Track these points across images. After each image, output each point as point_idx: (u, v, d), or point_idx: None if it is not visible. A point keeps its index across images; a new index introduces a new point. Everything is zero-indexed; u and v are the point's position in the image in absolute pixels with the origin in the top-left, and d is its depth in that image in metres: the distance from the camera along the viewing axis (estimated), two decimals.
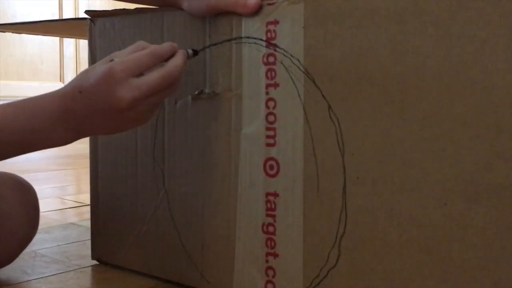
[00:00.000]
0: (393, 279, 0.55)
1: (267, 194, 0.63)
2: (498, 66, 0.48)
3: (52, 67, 2.60)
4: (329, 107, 0.58)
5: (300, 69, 0.59)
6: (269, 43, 0.62)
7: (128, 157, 0.77)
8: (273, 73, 0.62)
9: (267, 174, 0.63)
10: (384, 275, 0.55)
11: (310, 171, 0.59)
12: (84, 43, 2.13)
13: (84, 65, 2.47)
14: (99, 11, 0.79)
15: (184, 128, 0.70)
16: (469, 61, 0.49)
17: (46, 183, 1.59)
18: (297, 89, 0.60)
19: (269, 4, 0.61)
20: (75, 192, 1.50)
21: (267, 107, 0.62)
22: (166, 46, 0.61)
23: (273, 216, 0.63)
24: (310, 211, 0.60)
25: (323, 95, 0.58)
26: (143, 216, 0.76)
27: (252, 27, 0.63)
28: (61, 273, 0.79)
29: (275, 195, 0.62)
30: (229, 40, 0.65)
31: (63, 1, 2.64)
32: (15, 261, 0.79)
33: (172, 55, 0.61)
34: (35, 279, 0.77)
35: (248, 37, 0.63)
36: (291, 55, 0.60)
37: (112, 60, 0.58)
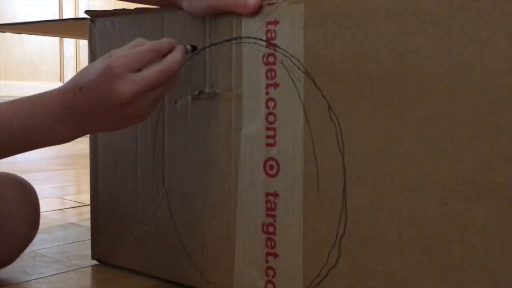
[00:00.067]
0: (393, 279, 0.55)
1: (267, 194, 0.63)
2: (498, 66, 0.48)
3: (52, 67, 2.60)
4: (329, 107, 0.58)
5: (300, 69, 0.59)
6: (269, 43, 0.62)
7: (128, 157, 0.77)
8: (273, 73, 0.62)
9: (267, 174, 0.63)
10: (384, 275, 0.55)
11: (310, 171, 0.59)
12: (84, 43, 2.13)
13: (84, 65, 2.47)
14: (99, 11, 0.79)
15: (184, 128, 0.70)
16: (469, 61, 0.49)
17: (46, 183, 1.59)
18: (297, 89, 0.60)
19: (269, 4, 0.61)
20: (75, 192, 1.50)
21: (267, 107, 0.62)
22: (164, 41, 0.62)
23: (273, 216, 0.63)
24: (310, 211, 0.60)
25: (323, 95, 0.58)
26: (143, 216, 0.76)
27: (252, 27, 0.63)
28: (61, 273, 0.79)
29: (275, 195, 0.62)
30: (229, 40, 0.65)
31: (63, 1, 2.64)
32: (15, 261, 0.79)
33: (170, 50, 0.61)
34: (35, 279, 0.77)
35: (248, 37, 0.63)
36: (291, 55, 0.60)
37: (111, 56, 0.59)
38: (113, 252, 0.80)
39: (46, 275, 0.78)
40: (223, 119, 0.66)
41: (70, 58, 2.66)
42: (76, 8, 2.67)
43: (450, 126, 0.51)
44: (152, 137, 0.74)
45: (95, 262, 0.83)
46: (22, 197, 0.79)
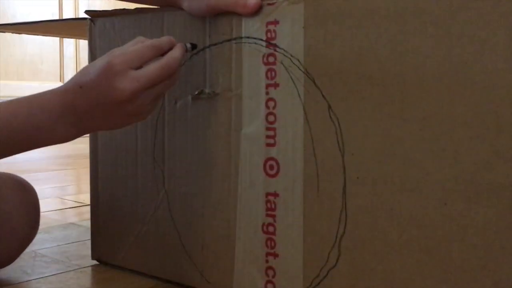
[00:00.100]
0: (393, 279, 0.55)
1: (267, 194, 0.63)
2: (498, 66, 0.48)
3: (52, 67, 2.60)
4: (329, 107, 0.58)
5: (300, 69, 0.59)
6: (269, 43, 0.62)
7: (128, 157, 0.77)
8: (273, 73, 0.62)
9: (267, 174, 0.63)
10: (384, 275, 0.55)
11: (310, 171, 0.59)
12: (84, 43, 2.13)
13: (84, 65, 2.47)
14: (99, 11, 0.79)
15: (184, 128, 0.70)
16: (469, 61, 0.49)
17: (46, 183, 1.59)
18: (297, 89, 0.60)
19: (269, 4, 0.61)
20: (75, 192, 1.50)
21: (267, 107, 0.62)
22: (164, 39, 0.62)
23: (273, 216, 0.63)
24: (310, 211, 0.60)
25: (323, 95, 0.58)
26: (143, 216, 0.76)
27: (252, 27, 0.63)
28: (61, 273, 0.79)
29: (275, 195, 0.62)
30: (229, 40, 0.65)
31: (63, 1, 2.64)
32: (15, 261, 0.79)
33: (170, 48, 0.61)
34: (35, 279, 0.77)
35: (248, 37, 0.63)
36: (291, 55, 0.60)
37: (111, 55, 0.59)
38: (113, 252, 0.80)
39: (46, 275, 0.78)
40: (223, 119, 0.66)
41: (70, 58, 2.66)
42: (76, 8, 2.67)
43: (450, 126, 0.51)
44: (152, 137, 0.74)
45: (95, 262, 0.83)
46: (22, 197, 0.79)
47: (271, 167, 0.62)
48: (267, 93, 0.62)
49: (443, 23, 0.50)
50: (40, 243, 0.93)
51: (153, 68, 0.58)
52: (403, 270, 0.54)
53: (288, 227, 0.62)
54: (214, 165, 0.68)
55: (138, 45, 0.60)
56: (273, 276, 0.63)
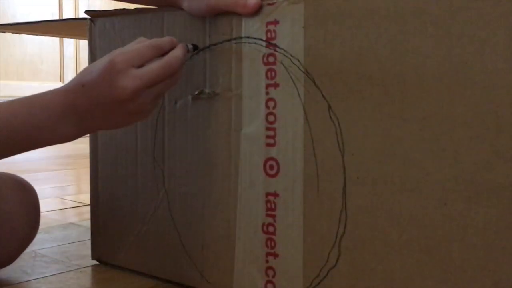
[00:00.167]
0: (393, 279, 0.55)
1: (267, 194, 0.63)
2: (498, 66, 0.48)
3: (52, 67, 2.60)
4: (329, 107, 0.58)
5: (300, 69, 0.59)
6: (269, 43, 0.62)
7: (128, 157, 0.77)
8: (273, 73, 0.62)
9: (267, 174, 0.63)
10: (384, 275, 0.55)
11: (310, 171, 0.59)
12: (84, 43, 2.13)
13: (84, 65, 2.47)
14: (99, 11, 0.79)
15: (184, 128, 0.70)
16: (469, 61, 0.49)
17: (46, 183, 1.59)
18: (297, 89, 0.60)
19: (269, 4, 0.61)
20: (75, 192, 1.50)
21: (267, 107, 0.62)
22: (166, 39, 0.62)
23: (273, 216, 0.63)
24: (310, 211, 0.60)
25: (323, 95, 0.58)
26: (143, 216, 0.76)
27: (252, 27, 0.63)
28: (61, 273, 0.79)
29: (275, 195, 0.62)
30: (229, 40, 0.65)
31: (63, 1, 2.64)
32: (15, 261, 0.79)
33: (171, 48, 0.62)
34: (35, 279, 0.77)
35: (248, 37, 0.63)
36: (291, 55, 0.60)
37: (113, 54, 0.59)
38: (113, 252, 0.80)
39: (46, 275, 0.78)
40: (223, 119, 0.66)
41: (70, 58, 2.66)
42: (76, 8, 2.67)
43: (450, 126, 0.51)
44: (152, 137, 0.74)
45: (95, 262, 0.83)
46: (22, 197, 0.79)
47: (271, 167, 0.62)
48: (267, 93, 0.62)
49: (443, 23, 0.50)
50: (40, 243, 0.93)
51: (154, 67, 0.58)
52: (403, 270, 0.54)
53: (288, 227, 0.62)
54: (214, 165, 0.68)
55: (139, 44, 0.60)
56: (273, 276, 0.63)
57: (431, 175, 0.52)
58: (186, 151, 0.70)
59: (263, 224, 0.64)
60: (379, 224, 0.55)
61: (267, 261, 0.64)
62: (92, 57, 0.80)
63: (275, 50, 0.61)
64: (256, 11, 0.62)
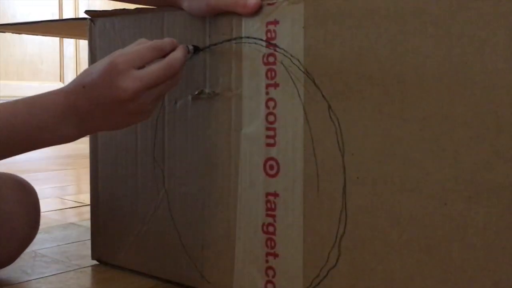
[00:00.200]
0: (393, 279, 0.55)
1: (267, 194, 0.63)
2: (498, 66, 0.48)
3: (52, 67, 2.60)
4: (329, 107, 0.58)
5: (300, 69, 0.59)
6: (269, 43, 0.62)
7: (128, 157, 0.77)
8: (273, 73, 0.62)
9: (267, 174, 0.63)
10: (384, 275, 0.55)
11: (310, 171, 0.59)
12: (84, 43, 2.13)
13: (84, 65, 2.47)
14: (99, 11, 0.79)
15: (184, 128, 0.70)
16: (469, 61, 0.49)
17: (46, 183, 1.59)
18: (297, 89, 0.60)
19: (269, 4, 0.61)
20: (75, 192, 1.50)
21: (267, 107, 0.62)
22: (166, 40, 0.62)
23: (273, 216, 0.63)
24: (310, 211, 0.60)
25: (323, 95, 0.58)
26: (143, 216, 0.76)
27: (252, 27, 0.63)
28: (61, 273, 0.79)
29: (275, 195, 0.62)
30: (229, 40, 0.65)
31: (63, 1, 2.64)
32: (15, 261, 0.79)
33: (172, 49, 0.62)
34: (35, 279, 0.77)
35: (248, 37, 0.63)
36: (291, 55, 0.60)
37: (113, 55, 0.59)
38: (113, 252, 0.80)
39: (46, 275, 0.78)
40: (223, 119, 0.66)
41: (70, 58, 2.66)
42: (76, 8, 2.67)
43: (450, 126, 0.51)
44: (152, 137, 0.74)
45: (95, 262, 0.83)
46: (22, 197, 0.79)
47: (271, 167, 0.62)
48: (267, 93, 0.62)
49: (443, 23, 0.50)
50: (40, 243, 0.93)
51: (155, 68, 0.59)
52: (403, 270, 0.54)
53: (288, 227, 0.62)
54: (214, 165, 0.68)
55: (140, 46, 0.60)
56: (273, 276, 0.63)
57: (431, 175, 0.52)
58: (186, 151, 0.70)
59: (263, 224, 0.64)
60: (379, 224, 0.55)
61: (267, 261, 0.64)
62: (92, 57, 0.80)
63: (275, 50, 0.61)
64: (256, 11, 0.62)
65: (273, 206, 0.63)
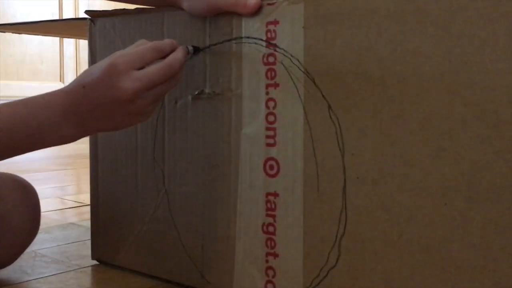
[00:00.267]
0: (393, 279, 0.55)
1: (267, 194, 0.63)
2: (498, 66, 0.48)
3: (52, 67, 2.60)
4: (329, 107, 0.58)
5: (300, 69, 0.59)
6: (269, 43, 0.62)
7: (128, 157, 0.77)
8: (273, 73, 0.62)
9: (267, 174, 0.63)
10: (384, 275, 0.55)
11: (310, 171, 0.59)
12: (84, 43, 2.13)
13: (84, 65, 2.47)
14: (99, 11, 0.79)
15: (184, 128, 0.70)
16: (469, 61, 0.49)
17: (46, 183, 1.59)
18: (297, 89, 0.60)
19: (269, 4, 0.61)
20: (75, 192, 1.50)
21: (267, 107, 0.62)
22: (166, 41, 0.62)
23: (273, 216, 0.63)
24: (310, 211, 0.60)
25: (323, 95, 0.58)
26: (143, 216, 0.76)
27: (252, 27, 0.63)
28: (61, 273, 0.79)
29: (275, 195, 0.62)
30: (229, 40, 0.65)
31: (63, 1, 2.64)
32: (15, 261, 0.79)
33: (172, 50, 0.62)
34: (35, 279, 0.77)
35: (248, 37, 0.63)
36: (291, 55, 0.60)
37: (114, 56, 0.59)
38: (113, 252, 0.80)
39: (46, 275, 0.78)
40: (223, 119, 0.66)
41: (70, 58, 2.66)
42: (76, 8, 2.67)
43: (450, 126, 0.51)
44: (152, 137, 0.74)
45: (95, 262, 0.83)
46: (22, 197, 0.79)
47: (271, 167, 0.62)
48: (267, 93, 0.62)
49: (443, 23, 0.50)
50: (40, 243, 0.93)
51: (155, 69, 0.59)
52: (403, 270, 0.54)
53: (288, 227, 0.62)
54: (214, 165, 0.68)
55: (140, 47, 0.60)
56: (273, 276, 0.63)
57: (431, 175, 0.52)
58: (186, 151, 0.70)
59: (263, 224, 0.64)
60: (379, 224, 0.55)
61: (267, 261, 0.64)
62: (92, 57, 0.80)
63: (275, 50, 0.61)
64: (256, 11, 0.62)
65: (273, 206, 0.63)
